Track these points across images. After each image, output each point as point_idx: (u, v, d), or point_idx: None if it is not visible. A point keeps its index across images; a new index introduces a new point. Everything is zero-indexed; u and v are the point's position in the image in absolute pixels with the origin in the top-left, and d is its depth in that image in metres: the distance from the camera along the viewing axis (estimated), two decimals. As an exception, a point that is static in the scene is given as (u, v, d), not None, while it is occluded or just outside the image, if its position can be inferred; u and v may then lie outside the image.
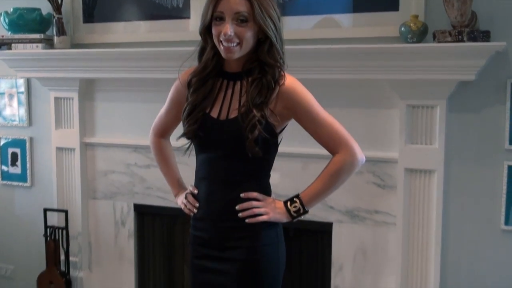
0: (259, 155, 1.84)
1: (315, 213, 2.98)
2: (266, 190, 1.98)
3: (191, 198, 2.03)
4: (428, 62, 2.63)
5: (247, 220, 1.91)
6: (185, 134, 1.96)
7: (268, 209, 1.92)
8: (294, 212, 1.95)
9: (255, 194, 1.92)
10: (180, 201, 2.12)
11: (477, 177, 2.76)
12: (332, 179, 1.93)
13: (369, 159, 2.77)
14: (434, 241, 2.75)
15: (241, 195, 1.91)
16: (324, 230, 3.03)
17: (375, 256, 2.92)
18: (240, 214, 1.91)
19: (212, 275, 1.98)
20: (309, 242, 3.11)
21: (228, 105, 1.92)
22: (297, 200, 1.95)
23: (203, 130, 1.92)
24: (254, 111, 1.82)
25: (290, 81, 1.89)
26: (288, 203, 1.96)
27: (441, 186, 2.73)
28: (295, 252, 3.08)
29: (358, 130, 2.78)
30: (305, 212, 1.97)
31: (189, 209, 2.04)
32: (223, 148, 1.91)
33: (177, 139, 2.03)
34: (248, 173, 1.93)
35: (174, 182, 2.21)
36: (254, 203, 1.92)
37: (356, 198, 2.93)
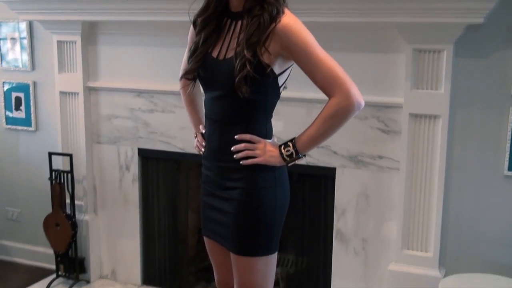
0: (247, 93, 1.82)
1: (319, 158, 2.99)
2: (263, 133, 1.96)
3: (199, 137, 2.12)
4: (436, 4, 2.56)
5: (241, 162, 1.93)
6: (186, 74, 1.98)
7: (261, 152, 1.92)
8: (287, 156, 1.94)
9: (248, 137, 1.92)
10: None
11: (482, 123, 2.73)
12: (326, 124, 1.87)
13: (374, 104, 2.79)
14: (437, 187, 2.75)
15: (235, 136, 1.92)
16: (327, 175, 3.03)
17: (377, 202, 2.93)
18: (235, 156, 1.93)
19: (216, 213, 2.03)
20: (313, 187, 3.12)
21: (227, 45, 1.91)
22: (290, 144, 1.93)
23: (203, 70, 1.93)
24: (245, 50, 1.80)
25: (288, 19, 1.84)
26: (282, 147, 1.95)
27: (446, 132, 2.71)
28: (299, 197, 3.09)
29: (363, 75, 2.77)
30: (299, 157, 1.95)
31: (198, 148, 2.12)
32: (219, 87, 1.91)
33: (180, 79, 2.02)
34: (242, 115, 1.92)
35: (196, 122, 2.24)
36: (248, 145, 1.92)
37: (360, 144, 2.92)
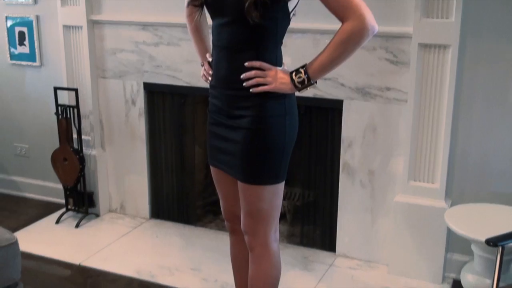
0: (257, 19, 1.77)
1: (326, 90, 2.96)
2: (273, 60, 1.92)
3: (206, 66, 2.09)
4: None
5: (251, 90, 1.90)
6: (193, 0, 1.92)
7: (272, 79, 1.89)
8: (299, 83, 1.91)
9: (258, 63, 1.89)
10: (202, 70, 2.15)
11: (493, 53, 2.68)
12: (339, 49, 1.83)
13: (382, 34, 2.73)
14: (445, 118, 2.71)
15: (245, 64, 1.88)
16: (334, 108, 3.00)
17: (385, 134, 2.92)
18: (244, 84, 1.90)
19: (223, 142, 2.02)
20: (320, 119, 3.10)
21: None
22: (302, 71, 1.90)
23: None
24: None
25: None
26: (293, 74, 1.91)
27: (455, 62, 2.65)
28: (305, 130, 3.07)
29: (372, 4, 2.67)
30: (310, 83, 1.92)
31: (205, 76, 2.09)
32: (227, 13, 1.86)
33: (187, 6, 1.97)
34: (252, 42, 1.88)
35: (203, 51, 2.19)
36: (258, 72, 1.89)
37: (367, 75, 2.87)
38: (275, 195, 2.02)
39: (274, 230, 2.08)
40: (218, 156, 2.09)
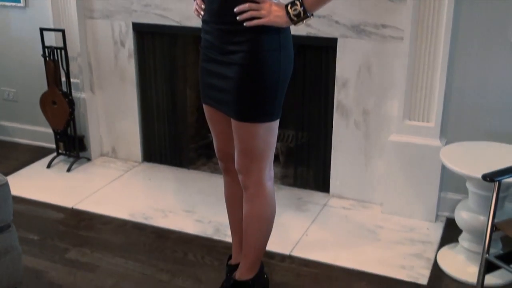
0: None
1: (319, 28, 2.88)
2: None
3: (198, 0, 2.00)
4: None
5: (245, 24, 1.83)
6: None
7: (266, 12, 1.82)
8: (294, 15, 1.84)
9: None
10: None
11: (492, -12, 2.60)
12: None
13: (379, -33, 2.63)
14: (442, 56, 2.65)
15: None
16: (328, 46, 2.93)
17: (380, 73, 2.86)
18: (238, 17, 1.83)
19: (216, 79, 1.97)
20: (313, 59, 3.03)
21: None
22: (298, 3, 1.83)
23: None
24: None
25: None
26: (289, 6, 1.85)
27: (453, -3, 2.58)
28: (299, 70, 3.01)
29: None
30: (307, 16, 1.85)
31: (197, 11, 2.02)
32: None
33: None
34: None
35: None
36: (252, 5, 1.82)
37: (363, 12, 2.79)
38: (269, 133, 1.98)
39: (269, 168, 2.05)
40: (211, 93, 2.04)
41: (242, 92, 1.90)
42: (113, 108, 3.57)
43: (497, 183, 1.93)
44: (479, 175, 2.19)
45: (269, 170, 2.06)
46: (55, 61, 3.37)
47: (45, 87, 3.46)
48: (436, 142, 2.77)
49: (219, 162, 2.24)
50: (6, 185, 2.16)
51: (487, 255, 2.01)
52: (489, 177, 1.92)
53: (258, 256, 2.17)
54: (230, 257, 2.35)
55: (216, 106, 2.05)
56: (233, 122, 1.97)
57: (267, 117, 1.95)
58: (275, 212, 2.12)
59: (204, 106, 2.13)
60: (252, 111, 1.93)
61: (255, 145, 1.97)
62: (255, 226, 2.11)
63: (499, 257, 2.02)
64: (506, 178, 1.94)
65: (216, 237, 2.77)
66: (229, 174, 2.22)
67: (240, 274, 2.19)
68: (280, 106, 1.98)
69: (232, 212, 2.28)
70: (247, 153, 2.00)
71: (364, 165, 3.03)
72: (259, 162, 2.01)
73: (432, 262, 2.56)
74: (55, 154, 3.62)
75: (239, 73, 1.88)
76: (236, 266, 2.25)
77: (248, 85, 1.89)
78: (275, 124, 1.99)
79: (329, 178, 3.14)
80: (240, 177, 2.07)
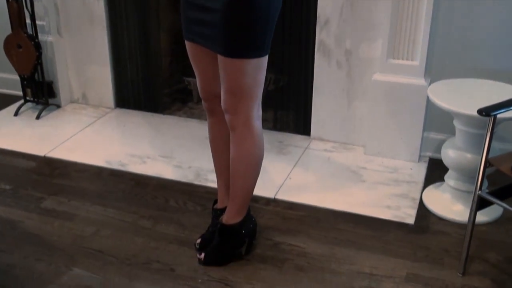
0: None
1: (301, -37, 2.74)
2: None
3: None
4: None
5: None
6: None
7: None
8: None
9: None
10: None
11: None
12: None
13: None
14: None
15: None
16: (310, -17, 2.81)
17: (363, 9, 2.74)
18: None
19: (201, 12, 1.85)
20: (294, -4, 2.90)
21: None
22: None
23: None
24: None
25: None
26: None
27: None
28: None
29: None
30: None
31: None
32: None
33: None
34: None
35: None
36: None
37: None
38: (258, 69, 1.87)
39: (257, 107, 1.95)
40: (194, 28, 1.91)
41: (229, 25, 1.78)
42: (83, 52, 3.39)
43: (492, 118, 1.88)
44: (469, 112, 2.15)
45: (258, 110, 1.96)
46: (19, 1, 3.15)
47: (8, 30, 3.25)
48: (420, 81, 2.70)
49: (203, 103, 2.13)
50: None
51: (479, 191, 1.98)
52: (485, 112, 1.86)
53: (246, 199, 2.10)
54: (215, 202, 2.27)
55: (201, 41, 1.92)
56: (220, 58, 1.86)
57: (257, 52, 1.84)
58: (263, 153, 2.04)
59: (187, 43, 2.00)
60: (240, 45, 1.81)
61: (243, 83, 1.87)
62: (243, 168, 2.02)
63: (491, 193, 1.99)
64: (502, 112, 1.89)
65: (197, 182, 2.69)
66: (214, 116, 2.11)
67: (228, 218, 2.12)
68: (270, 40, 1.87)
69: (218, 155, 2.19)
70: (235, 92, 1.89)
71: (346, 107, 2.95)
72: (247, 101, 1.90)
73: (417, 201, 2.53)
74: (22, 101, 3.45)
75: (226, 4, 1.75)
76: (222, 211, 2.18)
77: (236, 18, 1.77)
78: (264, 60, 1.88)
79: (310, 121, 3.06)
80: (227, 117, 1.97)
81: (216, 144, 2.18)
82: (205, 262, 2.13)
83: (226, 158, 2.09)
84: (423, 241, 2.28)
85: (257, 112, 1.95)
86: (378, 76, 2.77)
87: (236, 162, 2.02)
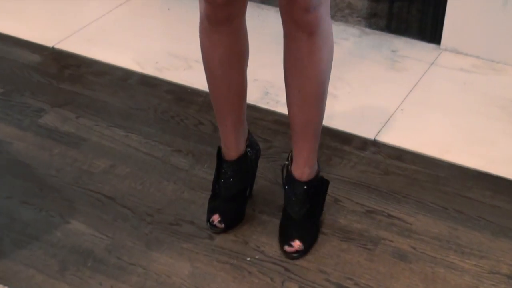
0: None
1: None
2: None
3: None
4: None
5: None
6: None
7: None
8: None
9: None
10: None
11: None
12: None
13: None
14: None
15: None
16: None
17: None
18: None
19: None
20: None
21: None
22: None
23: None
24: None
25: None
26: None
27: None
28: None
29: None
30: None
31: None
32: None
33: None
34: None
35: None
36: None
37: None
38: None
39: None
40: None
41: None
42: None
43: None
44: None
45: None
46: None
47: None
48: None
49: (213, 10, 1.89)
50: None
51: None
52: None
53: (319, 136, 2.01)
54: (219, 150, 2.10)
55: None
56: None
57: None
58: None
59: None
60: None
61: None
62: (321, 89, 1.93)
63: None
64: None
65: (262, 105, 2.59)
66: (235, 23, 1.98)
67: (309, 170, 2.01)
68: None
69: (227, 81, 2.03)
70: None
71: (500, 5, 2.68)
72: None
73: None
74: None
75: None
76: (240, 163, 2.07)
77: None
78: None
79: (443, 22, 2.85)
80: (305, 16, 1.78)
81: (230, 64, 2.03)
82: (306, 251, 2.01)
83: (239, 83, 2.02)
84: None
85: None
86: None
87: (311, 84, 1.91)
